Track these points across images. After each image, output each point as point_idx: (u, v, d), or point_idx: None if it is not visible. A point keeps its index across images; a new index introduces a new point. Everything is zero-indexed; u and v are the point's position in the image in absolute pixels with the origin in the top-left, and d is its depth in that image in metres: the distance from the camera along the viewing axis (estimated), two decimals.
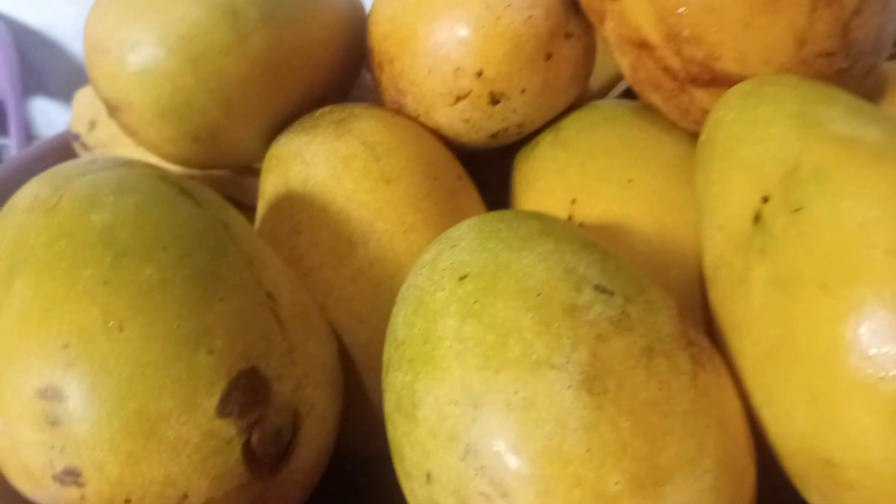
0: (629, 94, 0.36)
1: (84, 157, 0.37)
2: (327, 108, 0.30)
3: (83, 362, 0.19)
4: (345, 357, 0.26)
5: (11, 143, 0.75)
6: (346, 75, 0.34)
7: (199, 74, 0.28)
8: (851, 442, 0.17)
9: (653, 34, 0.25)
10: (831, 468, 0.17)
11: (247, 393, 0.20)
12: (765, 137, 0.20)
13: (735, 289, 0.20)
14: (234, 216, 0.24)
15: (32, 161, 0.39)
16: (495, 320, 0.18)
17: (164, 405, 0.19)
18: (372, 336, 0.26)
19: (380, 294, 0.26)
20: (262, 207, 0.29)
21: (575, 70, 0.30)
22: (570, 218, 0.27)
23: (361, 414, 0.26)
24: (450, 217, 0.28)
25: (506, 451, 0.17)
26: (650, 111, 0.29)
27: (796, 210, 0.18)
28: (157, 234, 0.20)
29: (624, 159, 0.27)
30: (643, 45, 0.25)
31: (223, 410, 0.19)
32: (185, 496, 0.19)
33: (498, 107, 0.29)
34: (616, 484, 0.17)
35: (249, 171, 0.36)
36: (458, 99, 0.29)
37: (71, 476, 0.19)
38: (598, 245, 0.21)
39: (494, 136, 0.30)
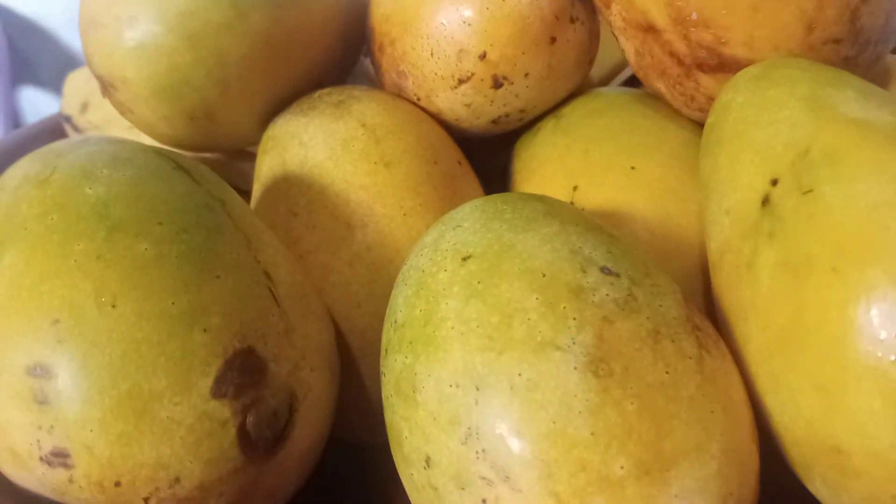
0: (632, 83, 0.36)
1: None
2: (326, 90, 0.30)
3: (74, 338, 0.18)
4: (341, 342, 0.25)
5: None
6: (345, 57, 0.33)
7: (197, 52, 0.27)
8: (860, 428, 0.16)
9: (660, 18, 0.24)
10: (838, 456, 0.17)
11: (242, 373, 0.19)
12: (776, 120, 0.20)
13: (742, 274, 0.20)
14: (231, 194, 0.23)
15: (21, 143, 0.39)
16: (499, 301, 0.18)
17: (157, 384, 0.18)
18: (369, 321, 0.25)
19: (378, 279, 0.26)
20: (258, 189, 0.29)
21: (579, 55, 0.29)
22: (571, 205, 0.27)
23: (358, 400, 0.25)
24: (450, 202, 0.27)
25: (508, 435, 0.17)
26: (653, 99, 0.29)
27: (807, 192, 0.18)
28: (152, 209, 0.20)
29: (627, 146, 0.27)
30: (649, 29, 0.25)
31: (218, 391, 0.19)
32: (176, 479, 0.18)
33: (500, 91, 0.28)
34: (621, 468, 0.16)
35: (244, 155, 0.36)
36: (461, 82, 0.28)
37: (59, 457, 0.18)
38: (603, 227, 0.20)
39: (495, 121, 0.30)
